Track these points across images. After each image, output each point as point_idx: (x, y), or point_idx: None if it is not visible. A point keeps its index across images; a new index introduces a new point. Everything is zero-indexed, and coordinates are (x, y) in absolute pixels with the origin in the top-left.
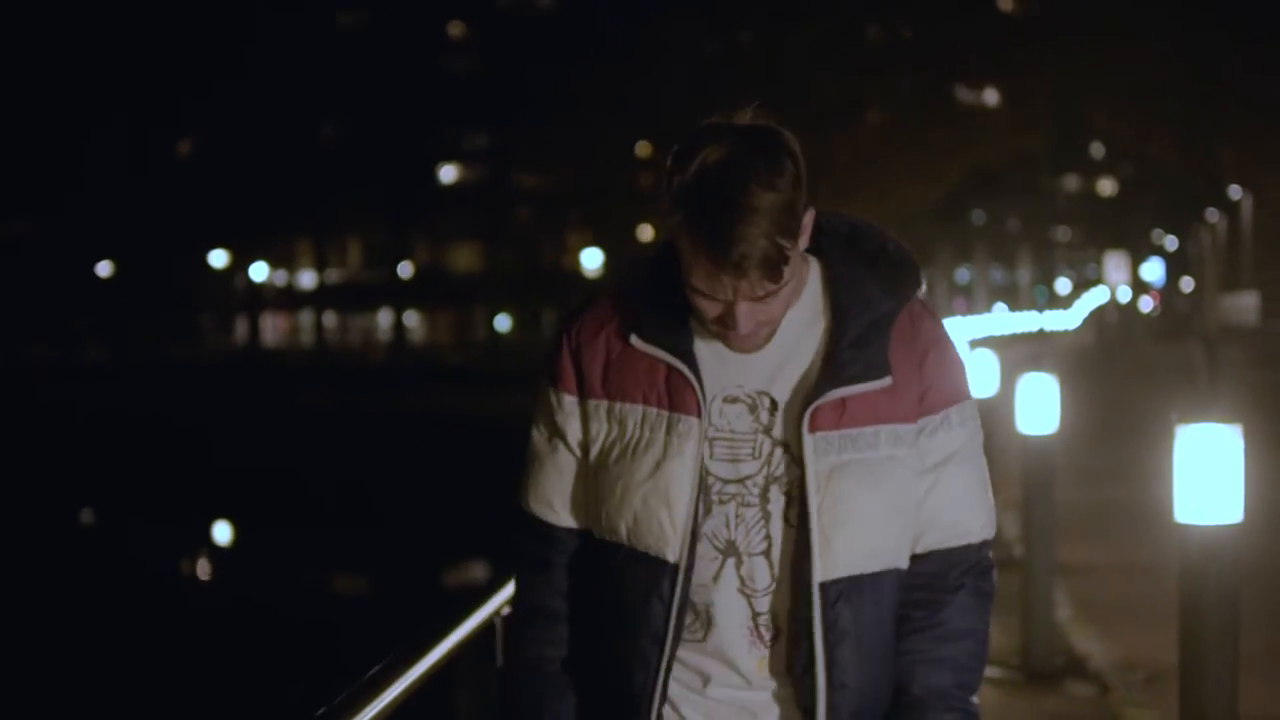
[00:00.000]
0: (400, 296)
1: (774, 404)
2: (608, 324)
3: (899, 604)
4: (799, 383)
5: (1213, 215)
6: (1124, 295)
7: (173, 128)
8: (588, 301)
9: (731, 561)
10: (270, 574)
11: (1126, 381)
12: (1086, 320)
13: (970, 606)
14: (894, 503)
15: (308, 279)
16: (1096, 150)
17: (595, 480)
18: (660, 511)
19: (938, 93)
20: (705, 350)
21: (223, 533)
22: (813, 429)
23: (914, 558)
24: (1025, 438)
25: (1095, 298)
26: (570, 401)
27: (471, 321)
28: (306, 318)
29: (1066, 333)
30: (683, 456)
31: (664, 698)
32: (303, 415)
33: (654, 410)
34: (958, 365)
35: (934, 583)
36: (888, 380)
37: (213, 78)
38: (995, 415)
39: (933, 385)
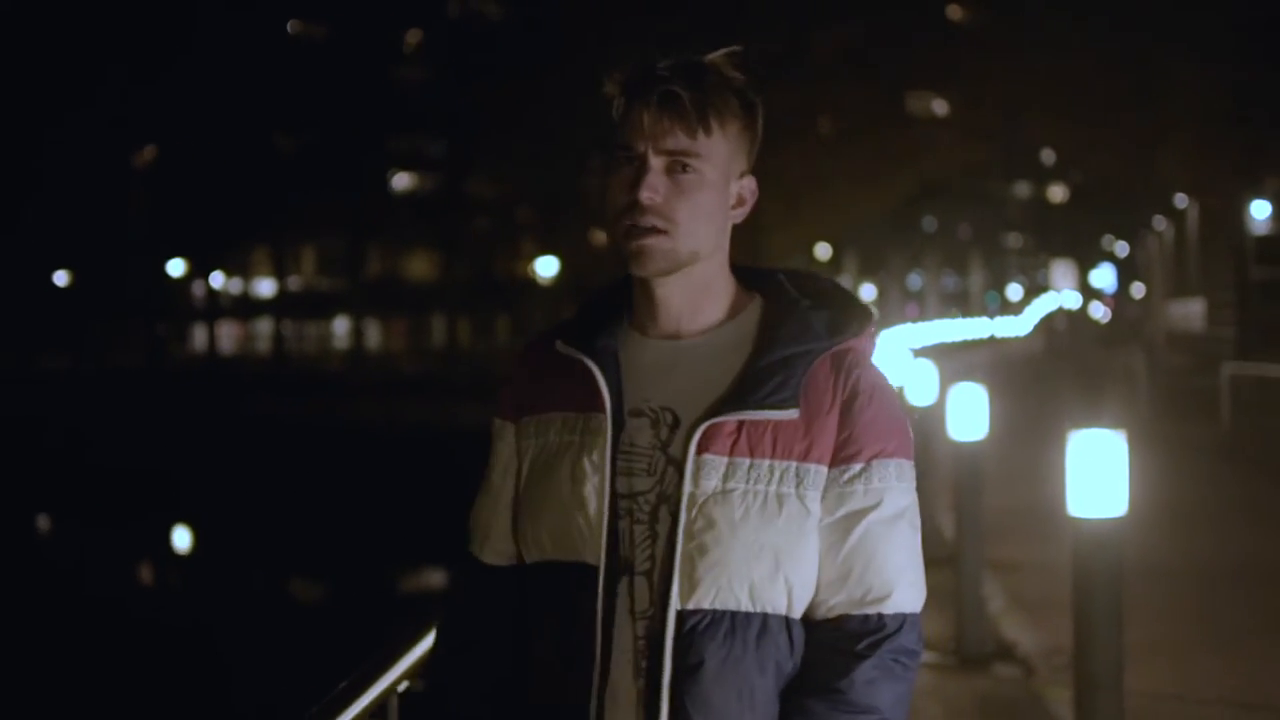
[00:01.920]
0: (355, 305)
1: (676, 420)
2: (545, 345)
3: (800, 662)
4: (701, 402)
5: (1160, 223)
6: (1073, 301)
7: (130, 136)
8: (541, 332)
9: (625, 579)
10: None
11: (1068, 388)
12: (1037, 327)
13: (875, 680)
14: (775, 543)
15: (263, 287)
16: (1047, 157)
17: (523, 500)
18: (576, 513)
19: (888, 102)
20: (625, 360)
21: (181, 538)
22: (700, 449)
23: (819, 622)
24: (956, 443)
25: (1045, 304)
26: (505, 427)
27: (426, 330)
28: (261, 326)
29: (1017, 339)
30: (593, 454)
31: (601, 708)
32: (258, 423)
33: (572, 414)
34: (892, 421)
35: (837, 647)
36: (793, 413)
37: (168, 86)
38: (931, 423)
39: (856, 433)
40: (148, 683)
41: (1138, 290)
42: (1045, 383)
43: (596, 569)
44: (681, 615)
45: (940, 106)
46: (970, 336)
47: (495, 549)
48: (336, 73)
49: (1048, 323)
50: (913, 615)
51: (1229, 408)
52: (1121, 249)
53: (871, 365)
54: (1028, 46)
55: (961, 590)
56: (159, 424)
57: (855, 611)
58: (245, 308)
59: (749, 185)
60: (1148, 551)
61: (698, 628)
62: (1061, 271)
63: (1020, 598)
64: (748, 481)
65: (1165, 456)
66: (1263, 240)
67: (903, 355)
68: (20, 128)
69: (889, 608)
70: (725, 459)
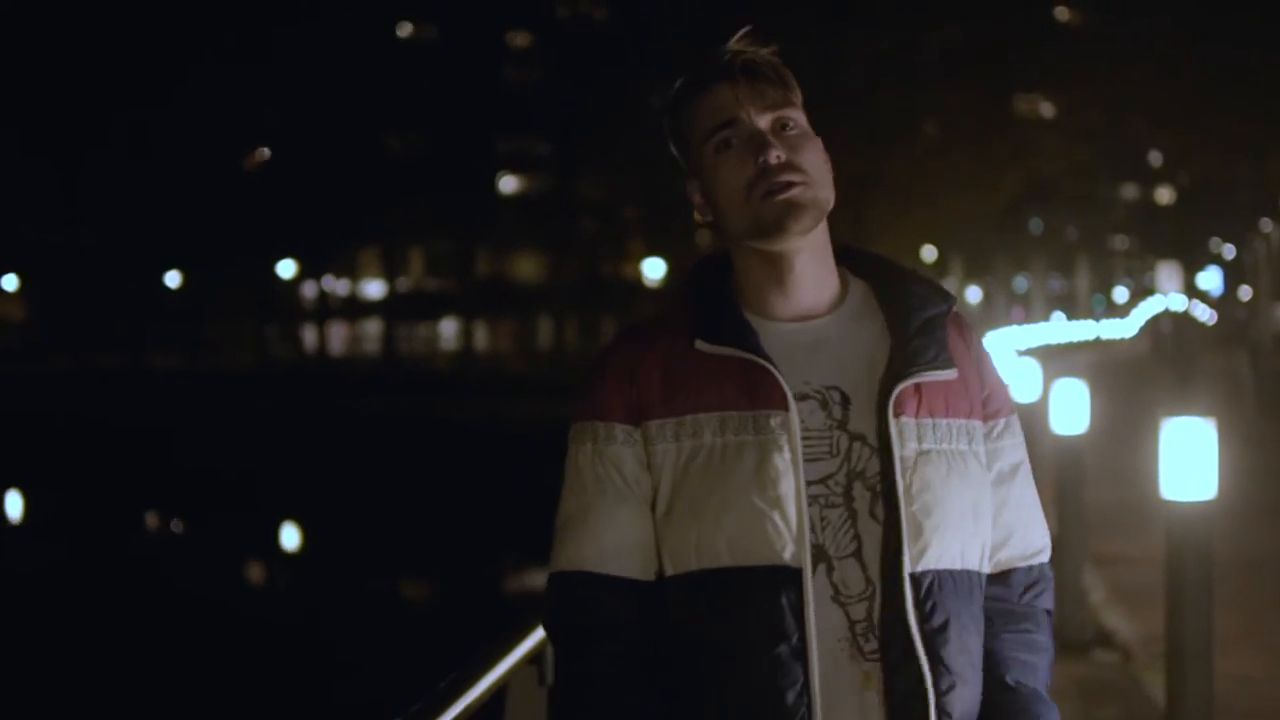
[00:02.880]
0: (463, 306)
1: (844, 397)
2: (660, 339)
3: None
4: (865, 373)
5: (1266, 225)
6: (1178, 304)
7: (241, 137)
8: (625, 330)
9: (822, 568)
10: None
11: (1172, 389)
12: (1142, 329)
13: (1046, 624)
14: (973, 499)
15: (371, 289)
16: (1154, 159)
17: (675, 506)
18: (770, 513)
19: (994, 104)
20: (768, 349)
21: (290, 537)
22: (896, 414)
23: (994, 575)
24: (1059, 438)
25: (1151, 306)
26: (623, 431)
27: (533, 331)
28: (368, 327)
29: (1123, 341)
30: (783, 452)
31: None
32: (373, 422)
33: (734, 414)
34: (1004, 379)
35: (1013, 598)
36: (954, 372)
37: (279, 89)
38: (1034, 418)
39: (995, 390)
40: (253, 679)
41: (1244, 293)
42: (1149, 384)
43: (799, 570)
44: (915, 579)
45: (1047, 109)
46: (1076, 338)
47: (622, 563)
48: (445, 74)
49: (1153, 325)
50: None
51: None
52: (1229, 251)
53: (970, 325)
54: (1133, 49)
55: (1063, 580)
56: (271, 423)
57: (1021, 564)
58: (353, 309)
59: (822, 146)
60: (1243, 545)
61: (933, 588)
62: (1167, 274)
63: (1120, 588)
64: (938, 442)
65: (1268, 455)
66: None
67: (1008, 355)
68: (131, 127)
69: (1044, 558)
70: (914, 421)
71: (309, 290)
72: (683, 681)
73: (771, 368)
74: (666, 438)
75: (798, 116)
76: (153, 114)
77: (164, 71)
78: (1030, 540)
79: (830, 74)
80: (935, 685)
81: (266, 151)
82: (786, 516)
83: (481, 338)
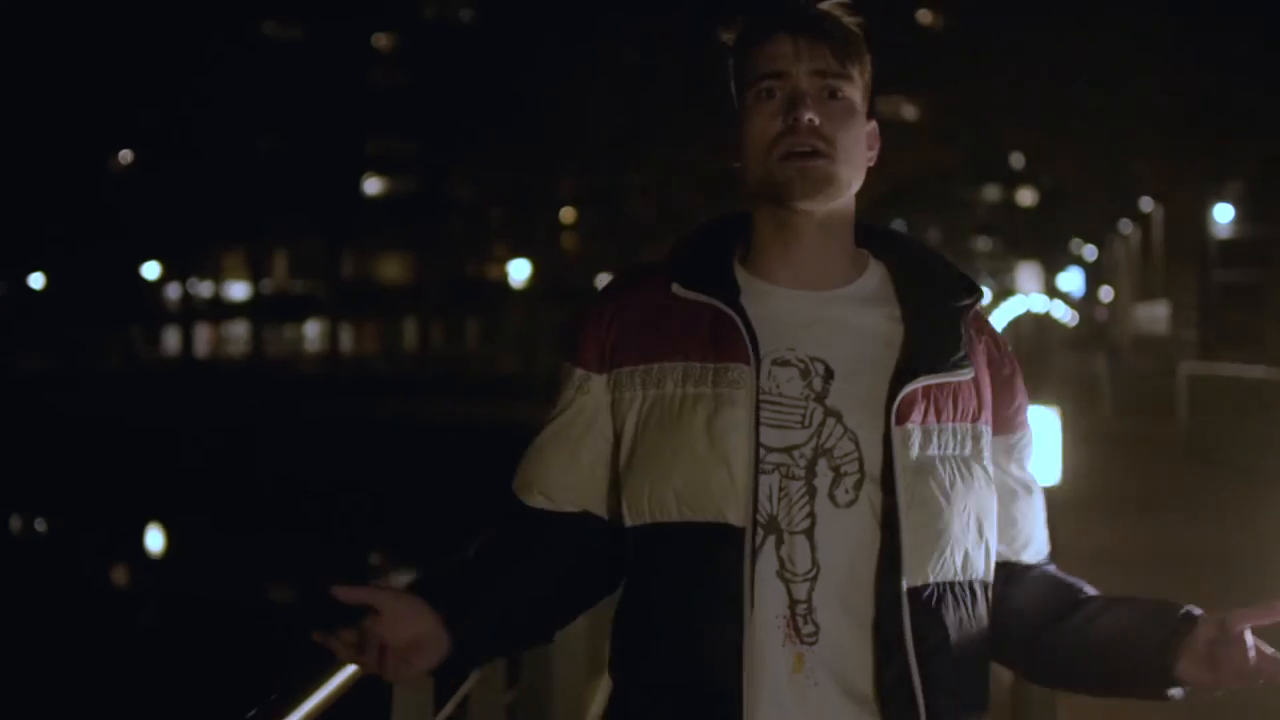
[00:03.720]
0: (329, 307)
1: (829, 371)
2: (646, 285)
3: (1025, 607)
4: (861, 358)
5: (1126, 226)
6: (1040, 305)
7: (107, 141)
8: (619, 273)
9: (772, 539)
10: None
11: (1032, 389)
12: (1004, 330)
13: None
14: (978, 508)
15: (236, 291)
16: (1016, 160)
17: (633, 456)
18: (718, 469)
19: None
20: (756, 309)
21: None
22: (900, 420)
23: (1022, 570)
24: None
25: (1013, 307)
26: (586, 377)
27: (399, 332)
28: (234, 329)
29: None
30: (736, 407)
31: (749, 683)
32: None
33: (697, 365)
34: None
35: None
36: (970, 373)
37: (145, 91)
38: None
39: (1021, 402)
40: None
41: (1105, 294)
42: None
43: (742, 530)
44: (913, 593)
45: (909, 111)
46: None
47: (553, 497)
48: (312, 77)
49: (1014, 326)
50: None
51: (1186, 406)
52: (1090, 252)
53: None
54: (995, 53)
55: None
56: (148, 425)
57: (1036, 561)
58: (218, 310)
59: (874, 128)
60: (1092, 535)
61: (931, 603)
62: (1027, 274)
63: None
64: (942, 448)
65: (1120, 452)
66: (1224, 243)
67: None
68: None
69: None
70: (919, 427)
71: (172, 292)
72: (632, 630)
73: (739, 320)
74: (635, 385)
75: (850, 90)
76: (16, 114)
77: (28, 72)
78: (1039, 550)
79: (696, 74)
80: (928, 704)
81: (129, 154)
82: (733, 474)
83: (347, 339)
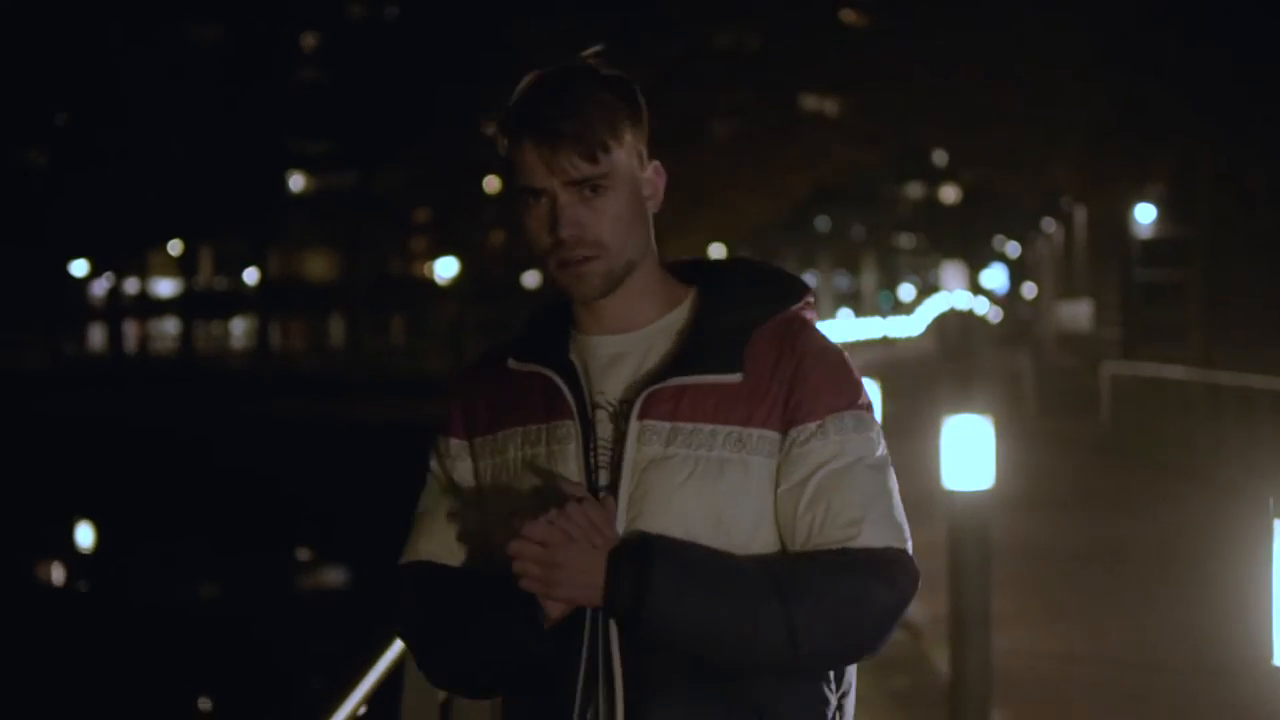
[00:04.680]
0: (256, 305)
1: (630, 409)
2: (494, 360)
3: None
4: (645, 380)
5: (1049, 225)
6: (964, 302)
7: (28, 138)
8: (481, 352)
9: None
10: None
11: (957, 387)
12: (929, 327)
13: (865, 583)
14: (718, 509)
15: (162, 287)
16: (939, 158)
17: (485, 519)
18: None
19: (781, 105)
20: (583, 364)
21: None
22: (641, 416)
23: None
24: None
25: (937, 304)
26: (458, 445)
27: (325, 330)
28: (157, 326)
29: (910, 339)
30: (566, 462)
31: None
32: (176, 419)
33: (533, 427)
34: (843, 377)
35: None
36: (736, 376)
37: (68, 88)
38: None
39: (807, 394)
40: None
41: (1029, 290)
42: (935, 383)
43: None
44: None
45: (833, 110)
46: (863, 336)
47: (451, 555)
48: (235, 74)
49: (939, 323)
50: (885, 551)
51: (1109, 405)
52: (1013, 249)
53: (815, 329)
54: (917, 53)
55: None
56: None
57: (825, 546)
58: (145, 307)
59: (655, 169)
60: (1018, 532)
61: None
62: (951, 272)
63: None
64: (689, 446)
65: (1045, 450)
66: (1146, 243)
67: None
68: None
69: (857, 543)
70: (668, 424)
71: (98, 289)
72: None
73: (559, 379)
74: (486, 454)
75: (608, 176)
76: None
77: None
78: (833, 531)
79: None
80: (628, 701)
81: (47, 150)
82: None
83: (274, 336)
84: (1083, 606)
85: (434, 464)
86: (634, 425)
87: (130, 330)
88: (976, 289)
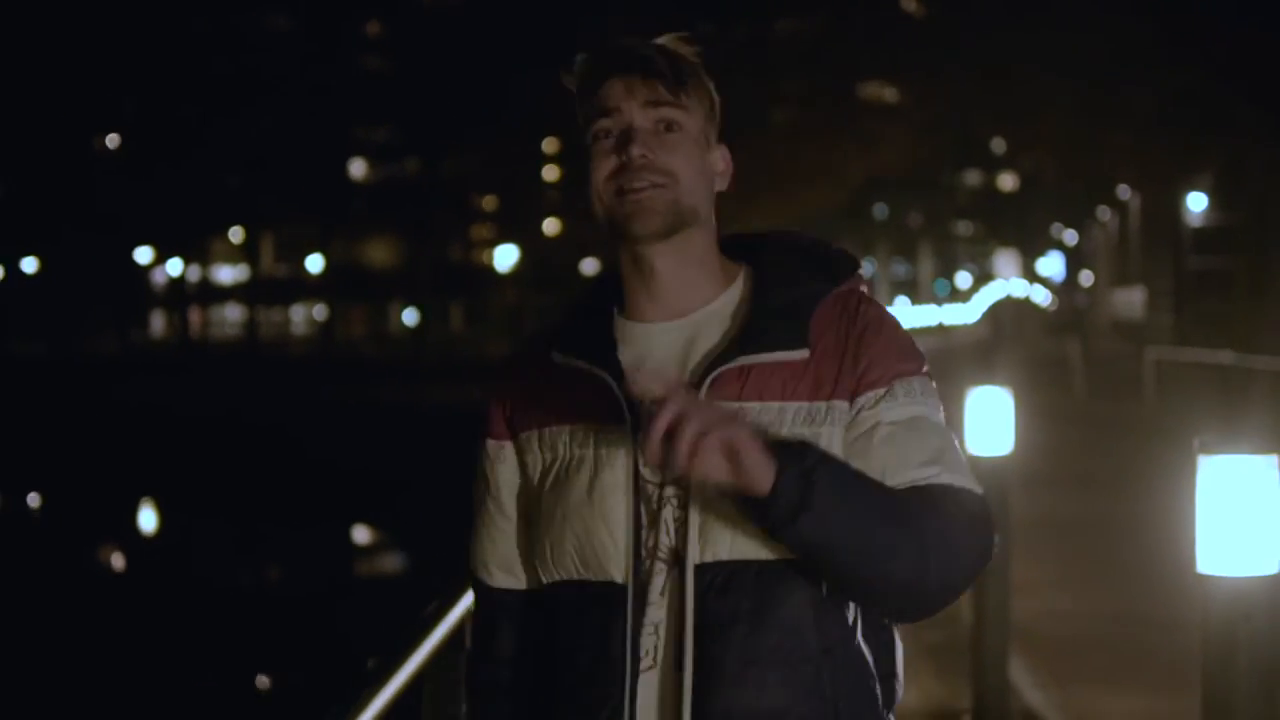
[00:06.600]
0: (317, 291)
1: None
2: (532, 356)
3: None
4: (707, 363)
5: (1104, 213)
6: (1019, 289)
7: (95, 124)
8: (518, 344)
9: (677, 571)
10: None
11: (1009, 373)
12: (984, 314)
13: (953, 512)
14: None
15: (223, 275)
16: (997, 145)
17: (536, 518)
18: (599, 529)
19: (841, 93)
20: (633, 353)
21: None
22: (709, 399)
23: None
24: None
25: (993, 292)
26: (499, 446)
27: (386, 316)
28: (218, 313)
29: (965, 326)
30: (614, 467)
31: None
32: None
33: (581, 427)
34: (905, 344)
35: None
36: (803, 352)
37: (134, 75)
38: None
39: (874, 360)
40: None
41: (1086, 278)
42: (987, 369)
43: (624, 588)
44: (700, 569)
45: (892, 98)
46: (919, 324)
47: (495, 574)
48: (299, 61)
49: (994, 311)
50: (969, 491)
51: (1153, 389)
52: (1070, 237)
53: (870, 301)
54: (974, 42)
55: None
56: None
57: (912, 482)
58: (206, 295)
59: (724, 154)
60: (1040, 506)
61: (723, 582)
62: (1006, 259)
63: None
64: (763, 426)
65: (1085, 431)
66: (1198, 231)
67: None
68: None
69: (940, 480)
70: (735, 405)
71: (159, 276)
72: (537, 681)
73: (609, 378)
74: (533, 449)
75: (686, 120)
76: (3, 103)
77: (15, 59)
78: (910, 471)
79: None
80: (696, 686)
81: (116, 139)
82: (614, 533)
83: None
84: (1101, 573)
85: (478, 471)
86: None
87: (193, 317)
88: (1033, 277)
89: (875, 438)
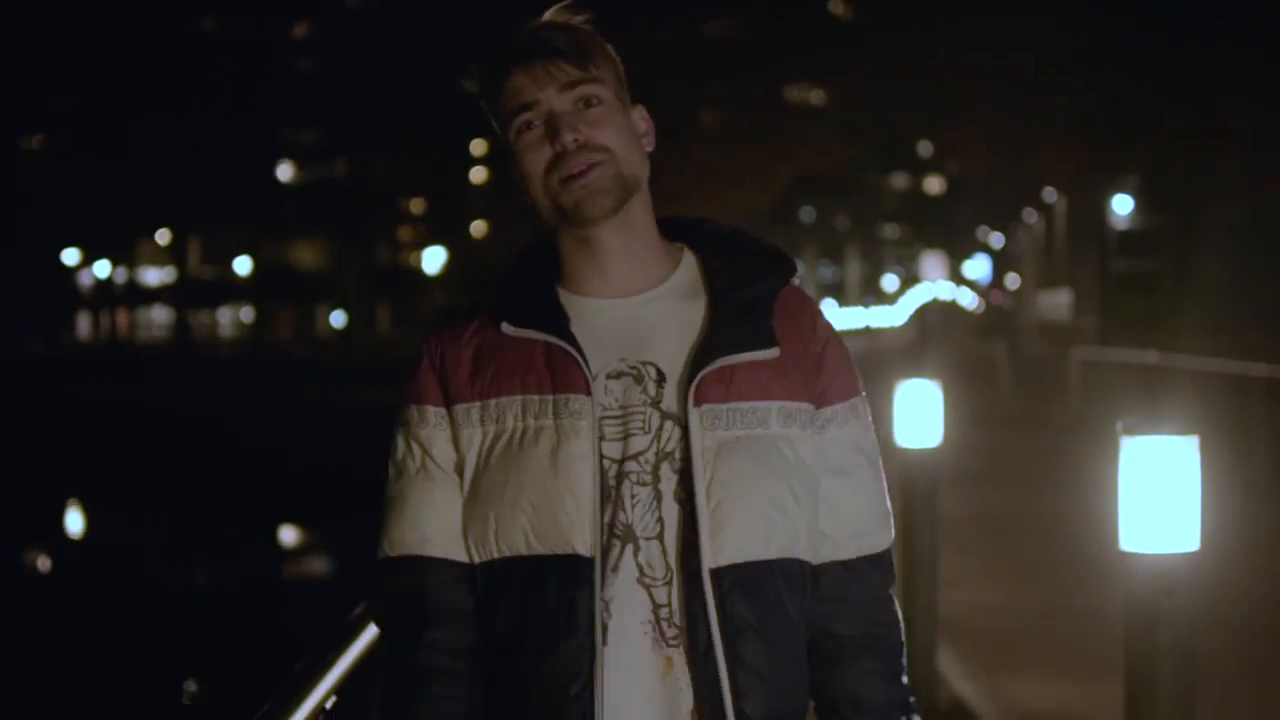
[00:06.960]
0: (245, 294)
1: (660, 374)
2: (473, 323)
3: (819, 603)
4: (681, 354)
5: (1030, 216)
6: (945, 292)
7: (20, 124)
8: (444, 315)
9: (630, 548)
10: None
11: (935, 374)
12: (911, 317)
13: (887, 604)
14: (788, 484)
15: (150, 276)
16: (924, 149)
17: (477, 491)
18: (564, 500)
19: (768, 96)
20: (582, 328)
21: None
22: (698, 401)
23: (827, 564)
24: None
25: (919, 295)
26: (435, 414)
27: (313, 318)
28: (145, 315)
29: (892, 329)
30: (579, 438)
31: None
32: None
33: (535, 398)
34: (851, 362)
35: (852, 585)
36: (775, 351)
37: (60, 74)
38: None
39: (834, 375)
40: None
41: (1012, 281)
42: (913, 371)
43: (591, 560)
44: (716, 574)
45: (819, 99)
46: (846, 326)
47: (444, 545)
48: (229, 62)
49: (921, 313)
50: (890, 549)
51: (1079, 389)
52: (997, 240)
53: (814, 304)
54: (902, 46)
55: None
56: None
57: (861, 554)
58: (133, 296)
59: (642, 113)
60: (968, 503)
61: (736, 584)
62: (932, 262)
63: None
64: (747, 427)
65: (1011, 431)
66: (1123, 234)
67: None
68: None
69: (883, 544)
70: (725, 406)
71: (85, 278)
72: (488, 667)
73: (573, 350)
74: (472, 422)
75: (601, 91)
76: None
77: None
78: (865, 529)
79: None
80: (733, 685)
81: (43, 138)
82: (580, 504)
83: (259, 324)
84: (1028, 565)
85: (403, 440)
86: (694, 412)
87: (120, 319)
88: (959, 279)
89: (831, 458)
